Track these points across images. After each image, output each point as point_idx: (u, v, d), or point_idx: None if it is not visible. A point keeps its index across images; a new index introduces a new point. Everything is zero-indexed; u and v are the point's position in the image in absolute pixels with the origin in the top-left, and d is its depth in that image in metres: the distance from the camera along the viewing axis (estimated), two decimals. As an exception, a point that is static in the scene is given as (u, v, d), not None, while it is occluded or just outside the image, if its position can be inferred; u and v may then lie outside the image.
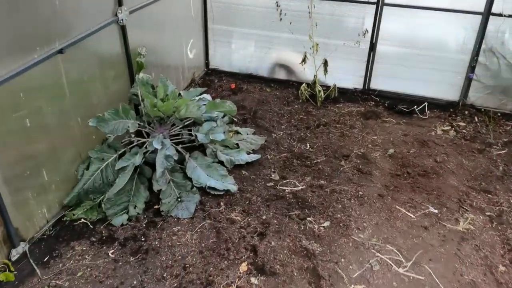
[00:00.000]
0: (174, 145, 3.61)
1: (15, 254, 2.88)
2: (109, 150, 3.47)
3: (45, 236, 3.06)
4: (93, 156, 3.37)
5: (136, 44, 3.82)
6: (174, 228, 3.12)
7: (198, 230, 3.09)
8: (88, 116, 3.32)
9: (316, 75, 4.69)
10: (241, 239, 3.00)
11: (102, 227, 3.14)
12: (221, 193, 3.42)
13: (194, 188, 3.44)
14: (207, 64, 5.40)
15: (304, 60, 4.66)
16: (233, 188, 3.45)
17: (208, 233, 3.07)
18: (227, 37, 5.19)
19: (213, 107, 3.76)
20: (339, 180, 3.60)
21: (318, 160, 3.84)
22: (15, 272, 2.78)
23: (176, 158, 3.35)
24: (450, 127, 4.37)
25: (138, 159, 3.32)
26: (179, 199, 3.34)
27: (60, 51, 2.98)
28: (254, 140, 4.06)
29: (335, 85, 4.74)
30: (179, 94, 3.97)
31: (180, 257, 2.88)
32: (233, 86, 5.06)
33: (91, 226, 3.15)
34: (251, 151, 3.93)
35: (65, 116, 3.18)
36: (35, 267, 2.81)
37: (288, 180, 3.61)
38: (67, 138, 3.23)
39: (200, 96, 3.99)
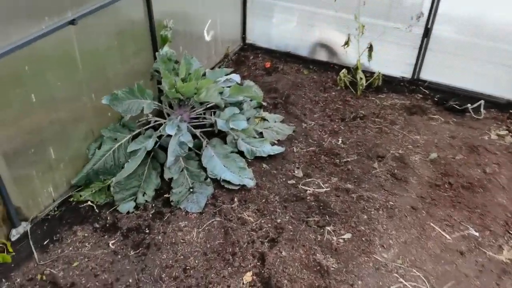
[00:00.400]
0: (192, 129, 3.35)
1: (15, 234, 2.77)
2: (123, 129, 3.26)
3: (49, 217, 2.93)
4: (105, 135, 3.17)
5: (162, 14, 3.52)
6: (180, 223, 2.89)
7: (206, 228, 2.86)
8: (103, 92, 3.10)
9: (359, 60, 4.23)
10: (250, 244, 2.74)
11: (108, 212, 2.97)
12: (237, 187, 3.14)
13: (208, 179, 3.19)
14: (243, 38, 5.03)
15: (347, 43, 4.20)
16: (250, 183, 3.16)
17: (216, 232, 2.83)
18: (268, 10, 4.78)
19: (237, 92, 3.44)
20: (368, 185, 3.22)
21: (349, 159, 3.47)
22: (13, 254, 2.67)
23: (190, 146, 3.09)
24: (507, 131, 3.83)
25: (150, 143, 3.09)
26: (191, 190, 3.10)
27: (72, 22, 2.73)
28: (281, 129, 3.72)
29: (379, 72, 4.26)
30: (204, 74, 3.66)
31: (182, 257, 2.67)
32: (268, 65, 4.69)
33: (96, 210, 2.99)
34: (276, 142, 3.61)
35: (76, 91, 2.98)
36: (34, 250, 2.70)
37: (312, 179, 3.28)
38: (79, 115, 3.04)
39: (227, 77, 3.67)
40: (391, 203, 3.07)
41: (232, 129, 3.32)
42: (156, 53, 3.37)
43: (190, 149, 3.14)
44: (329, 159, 3.48)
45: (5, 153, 2.56)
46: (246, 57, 4.87)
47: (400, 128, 3.85)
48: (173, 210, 3.00)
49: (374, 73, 4.33)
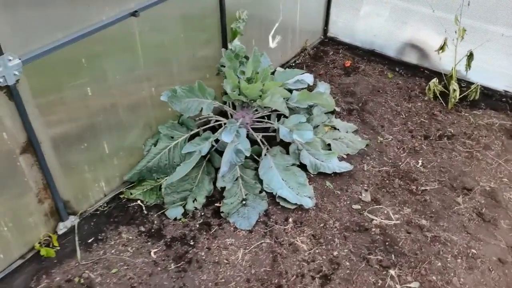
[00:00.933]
0: (253, 133, 3.08)
1: (62, 227, 2.71)
2: (181, 128, 3.07)
3: (98, 212, 2.84)
4: (163, 132, 3.01)
5: (235, 3, 3.24)
6: (227, 240, 2.67)
7: (253, 250, 2.60)
8: (165, 86, 2.93)
9: (454, 68, 3.65)
10: (299, 278, 2.44)
11: (155, 215, 2.83)
12: (293, 206, 2.84)
13: (263, 193, 2.91)
14: (325, 31, 4.61)
15: (442, 48, 3.63)
16: (309, 203, 2.84)
17: (263, 257, 2.56)
18: (356, 0, 4.29)
19: (305, 98, 3.10)
20: (448, 223, 2.75)
21: (428, 188, 3.00)
22: (58, 248, 2.62)
23: (248, 154, 2.81)
24: None
25: (206, 148, 2.87)
26: (243, 202, 2.85)
27: (134, 14, 2.54)
28: (352, 141, 3.32)
29: (478, 84, 3.65)
30: (273, 73, 3.34)
31: (223, 280, 2.45)
32: (347, 64, 4.25)
33: (145, 212, 2.86)
34: (345, 156, 3.23)
35: (136, 84, 2.82)
36: (77, 248, 2.62)
37: (380, 207, 2.88)
38: (137, 109, 2.89)
39: (298, 77, 3.33)
40: (473, 250, 2.59)
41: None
42: (222, 49, 3.10)
43: (249, 155, 2.87)
44: (404, 184, 3.04)
45: (56, 144, 2.47)
46: (325, 52, 4.46)
47: (496, 155, 3.27)
48: (222, 223, 2.78)
49: (471, 84, 3.73)
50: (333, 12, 4.50)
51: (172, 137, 3.03)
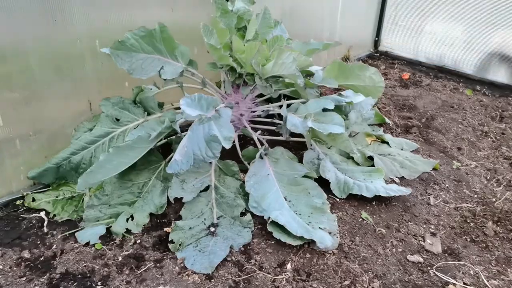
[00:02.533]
0: (250, 130, 1.93)
1: None
2: (135, 109, 1.99)
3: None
4: (105, 110, 1.94)
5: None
6: (160, 288, 1.41)
7: (203, 314, 1.32)
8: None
9: None
10: None
11: (59, 236, 1.66)
12: (296, 242, 1.56)
13: (248, 216, 1.67)
14: (376, 42, 3.52)
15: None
16: (326, 240, 1.55)
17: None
18: (420, 1, 3.22)
19: (337, 73, 1.93)
20: None
21: (551, 239, 1.63)
22: None
23: (227, 146, 1.63)
24: None
25: (159, 129, 1.72)
26: (211, 229, 1.62)
27: None
28: (410, 160, 2.06)
29: None
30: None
31: None
32: (405, 76, 3.09)
33: (45, 229, 1.71)
34: (396, 180, 1.96)
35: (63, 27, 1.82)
36: None
37: (461, 263, 1.54)
38: (67, 70, 1.86)
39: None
40: None
41: (315, 139, 1.80)
42: None
43: (228, 152, 1.70)
44: (504, 232, 1.69)
45: None
46: (375, 66, 3.32)
47: None
48: (163, 259, 1.54)
49: None
50: (388, 19, 3.43)
51: (118, 120, 1.94)
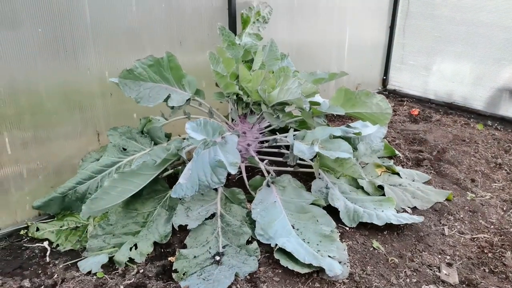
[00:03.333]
0: (254, 155, 1.91)
1: None
2: (142, 139, 1.99)
3: (-24, 253, 1.69)
4: (113, 140, 1.94)
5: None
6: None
7: None
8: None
9: None
10: None
11: (61, 266, 1.62)
12: (305, 270, 1.49)
13: (254, 244, 1.62)
14: (384, 81, 3.55)
15: None
16: (336, 269, 1.48)
17: None
18: (427, 41, 3.28)
19: (343, 101, 1.93)
20: None
21: None
22: None
23: (233, 172, 1.61)
24: None
25: (164, 156, 1.71)
26: (216, 257, 1.56)
27: None
28: (422, 191, 2.00)
29: None
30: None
31: None
32: (414, 112, 3.08)
33: (47, 259, 1.67)
34: (409, 210, 1.89)
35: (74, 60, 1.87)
36: None
37: (481, 294, 1.44)
38: (76, 101, 1.90)
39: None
40: None
41: (323, 168, 1.77)
42: (218, 24, 2.11)
43: (235, 182, 1.68)
44: (526, 261, 1.60)
45: None
46: (384, 104, 3.34)
47: None
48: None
49: None
50: (395, 58, 3.48)
51: (125, 150, 1.93)
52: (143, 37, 2.02)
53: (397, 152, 2.41)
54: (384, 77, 3.51)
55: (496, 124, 2.92)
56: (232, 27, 2.31)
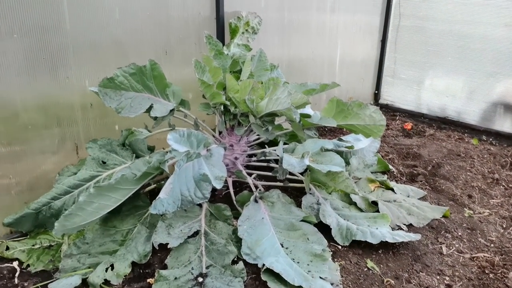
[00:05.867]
0: (242, 168, 1.81)
1: None
2: (123, 151, 1.88)
3: None
4: (92, 153, 1.83)
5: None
6: None
7: None
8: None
9: None
10: None
11: (32, 288, 1.48)
12: (294, 293, 1.38)
13: (240, 264, 1.50)
14: (376, 95, 3.49)
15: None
16: (328, 291, 1.37)
17: None
18: (419, 55, 3.23)
19: (336, 114, 1.84)
20: None
21: None
22: None
23: (218, 186, 1.51)
24: None
25: (145, 169, 1.60)
26: (199, 279, 1.45)
27: None
28: (417, 207, 1.91)
29: None
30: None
31: None
32: (407, 126, 3.00)
33: (15, 281, 1.53)
34: (404, 228, 1.80)
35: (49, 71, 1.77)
36: None
37: (484, 318, 1.33)
38: (52, 113, 1.79)
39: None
40: None
41: (314, 183, 1.67)
42: (205, 32, 2.03)
43: (221, 198, 1.57)
44: (530, 282, 1.50)
45: None
46: (376, 118, 3.26)
47: None
48: (142, 313, 1.36)
49: None
50: (387, 72, 3.43)
51: (105, 163, 1.83)
52: (127, 46, 1.94)
53: (390, 166, 2.32)
54: (376, 92, 3.46)
55: (491, 139, 2.85)
56: (220, 37, 2.24)
